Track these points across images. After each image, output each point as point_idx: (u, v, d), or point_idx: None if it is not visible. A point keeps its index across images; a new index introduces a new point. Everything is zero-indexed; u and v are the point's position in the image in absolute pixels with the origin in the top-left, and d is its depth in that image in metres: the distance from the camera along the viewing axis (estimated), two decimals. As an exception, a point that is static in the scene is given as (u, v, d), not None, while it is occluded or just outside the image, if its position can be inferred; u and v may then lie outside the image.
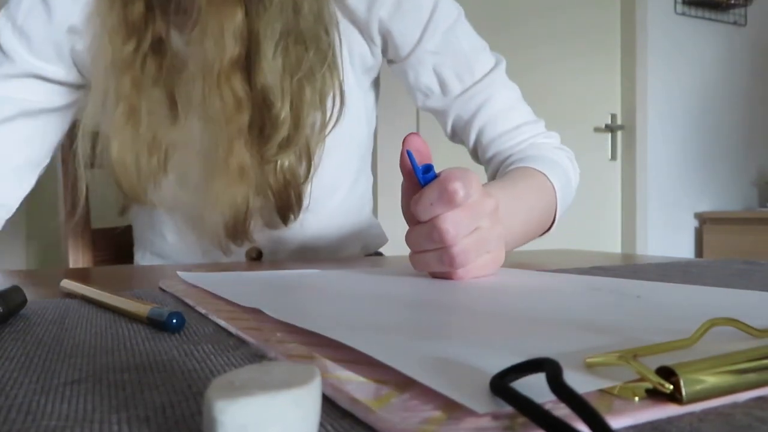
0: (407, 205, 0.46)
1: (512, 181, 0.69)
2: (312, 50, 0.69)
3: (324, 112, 0.71)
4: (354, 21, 0.75)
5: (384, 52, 0.79)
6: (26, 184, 0.77)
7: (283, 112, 0.67)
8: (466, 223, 0.44)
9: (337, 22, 0.73)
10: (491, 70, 0.79)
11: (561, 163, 0.76)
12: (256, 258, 0.81)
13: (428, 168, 0.45)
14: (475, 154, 0.82)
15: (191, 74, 0.68)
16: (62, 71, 0.74)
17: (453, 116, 0.80)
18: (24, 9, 0.72)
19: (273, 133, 0.68)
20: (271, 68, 0.66)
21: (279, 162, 0.70)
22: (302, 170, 0.72)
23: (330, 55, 0.71)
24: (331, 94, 0.72)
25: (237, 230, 0.71)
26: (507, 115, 0.78)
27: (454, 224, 0.43)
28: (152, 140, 0.69)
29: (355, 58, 0.77)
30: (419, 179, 0.45)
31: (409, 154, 0.45)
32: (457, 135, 0.82)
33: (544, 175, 0.71)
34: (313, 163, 0.72)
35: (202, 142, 0.70)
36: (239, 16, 0.65)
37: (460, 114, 0.79)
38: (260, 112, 0.68)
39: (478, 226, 0.45)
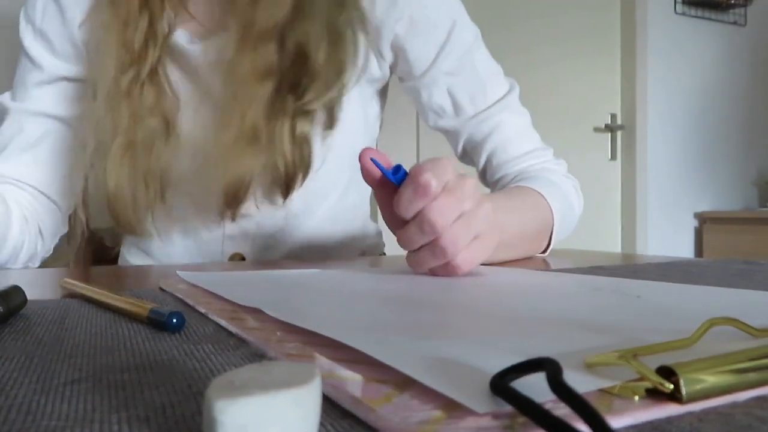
0: (389, 214, 0.47)
1: (506, 194, 0.70)
2: (349, 11, 0.70)
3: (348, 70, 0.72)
4: (365, 32, 0.75)
5: (393, 68, 0.79)
6: (78, 188, 0.79)
7: (320, 59, 0.68)
8: (451, 209, 0.44)
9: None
10: (505, 95, 0.79)
11: (563, 188, 0.76)
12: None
13: (397, 168, 0.45)
14: (484, 175, 0.82)
15: (222, 40, 0.69)
16: (82, 70, 0.74)
17: (465, 137, 0.80)
18: (39, 10, 0.73)
19: (309, 84, 0.68)
20: (311, 26, 0.67)
21: (297, 128, 0.70)
22: (318, 137, 0.72)
23: (362, 20, 0.72)
24: (355, 55, 0.73)
25: (237, 197, 0.70)
26: (517, 140, 0.79)
27: (440, 213, 0.43)
28: (148, 171, 0.70)
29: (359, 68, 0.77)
30: (393, 181, 0.45)
31: (374, 161, 0.46)
32: (467, 155, 0.83)
33: (542, 195, 0.70)
34: (334, 120, 0.72)
35: (218, 102, 0.71)
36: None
37: (471, 136, 0.80)
38: (294, 68, 0.68)
39: (463, 211, 0.45)
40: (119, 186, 0.69)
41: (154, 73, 0.70)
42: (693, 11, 2.84)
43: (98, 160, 0.71)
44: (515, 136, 0.79)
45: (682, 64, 2.81)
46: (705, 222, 2.83)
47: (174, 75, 0.73)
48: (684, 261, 0.63)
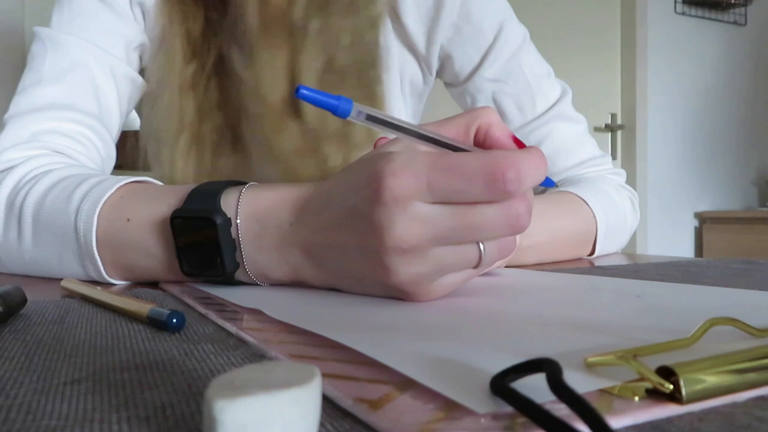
0: None
1: (540, 199, 0.65)
2: (355, 85, 0.66)
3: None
4: (411, 47, 0.74)
5: (440, 74, 0.77)
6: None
7: (331, 153, 0.65)
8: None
9: (387, 47, 0.71)
10: (555, 103, 0.75)
11: (613, 197, 0.70)
12: None
13: None
14: (534, 190, 0.79)
15: (252, 111, 0.66)
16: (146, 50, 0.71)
17: None
18: None
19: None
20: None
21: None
22: None
23: (378, 90, 0.68)
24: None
25: None
26: (569, 150, 0.75)
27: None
28: (212, 170, 0.67)
29: (405, 84, 0.76)
30: None
31: None
32: None
33: (584, 201, 0.65)
34: None
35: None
36: (286, 51, 0.64)
37: None
38: (312, 155, 0.65)
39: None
40: (186, 182, 0.66)
41: (219, 65, 0.67)
42: (693, 11, 2.84)
43: (159, 150, 0.67)
44: (567, 146, 0.75)
45: (682, 63, 2.81)
46: (705, 222, 2.83)
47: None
48: (684, 261, 0.63)
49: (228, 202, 0.38)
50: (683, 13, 2.81)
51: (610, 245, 0.69)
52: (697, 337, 0.22)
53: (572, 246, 0.65)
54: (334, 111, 0.29)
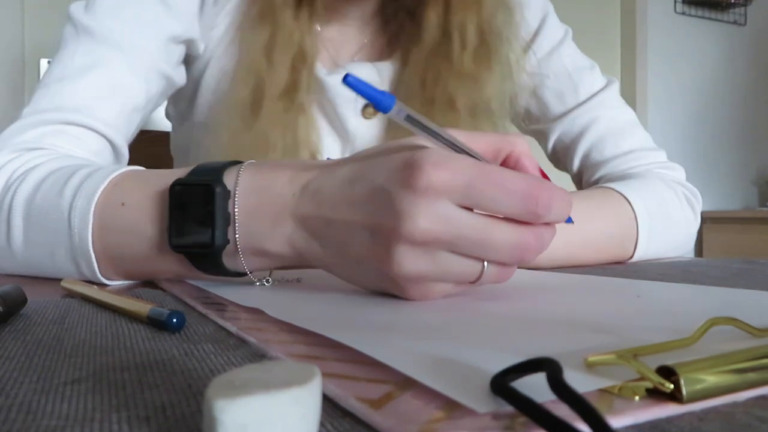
0: None
1: (574, 197, 0.63)
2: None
3: None
4: None
5: None
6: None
7: None
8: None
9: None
10: (600, 91, 0.73)
11: (663, 195, 0.62)
12: None
13: None
14: (579, 181, 0.74)
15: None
16: (199, 48, 0.67)
17: (554, 138, 0.73)
18: None
19: None
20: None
21: None
22: None
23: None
24: None
25: None
26: (617, 138, 0.70)
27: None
28: None
29: None
30: None
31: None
32: (559, 160, 0.75)
33: (626, 199, 0.58)
34: None
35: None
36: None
37: (561, 136, 0.73)
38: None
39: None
40: None
41: (303, 102, 0.64)
42: (693, 10, 2.84)
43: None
44: (613, 134, 0.70)
45: (682, 63, 2.81)
46: (705, 222, 2.83)
47: (313, 107, 0.67)
48: (684, 261, 0.63)
49: (229, 176, 0.38)
50: (683, 13, 2.81)
51: (655, 249, 0.61)
52: (698, 337, 0.22)
53: (602, 251, 0.57)
54: (377, 104, 0.29)
